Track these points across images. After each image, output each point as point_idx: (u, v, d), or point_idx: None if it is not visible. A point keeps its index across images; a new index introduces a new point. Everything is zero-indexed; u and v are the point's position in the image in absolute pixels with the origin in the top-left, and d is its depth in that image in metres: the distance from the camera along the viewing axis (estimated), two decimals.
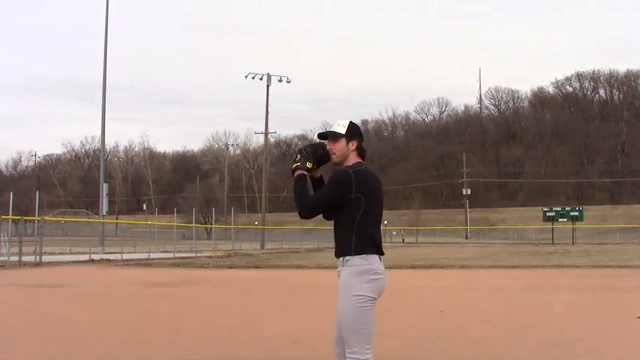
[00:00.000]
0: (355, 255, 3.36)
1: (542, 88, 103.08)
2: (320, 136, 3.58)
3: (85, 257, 23.52)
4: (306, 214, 3.43)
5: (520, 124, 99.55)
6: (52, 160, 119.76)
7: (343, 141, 3.51)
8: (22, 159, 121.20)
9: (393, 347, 6.11)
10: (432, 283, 14.22)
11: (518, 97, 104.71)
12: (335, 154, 3.51)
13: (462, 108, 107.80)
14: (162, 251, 29.38)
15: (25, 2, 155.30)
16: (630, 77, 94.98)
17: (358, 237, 3.35)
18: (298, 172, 3.46)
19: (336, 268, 3.50)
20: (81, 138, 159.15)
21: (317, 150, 3.53)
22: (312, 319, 8.33)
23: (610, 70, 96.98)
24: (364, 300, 3.30)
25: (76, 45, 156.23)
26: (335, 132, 3.49)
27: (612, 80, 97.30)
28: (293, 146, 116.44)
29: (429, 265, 20.92)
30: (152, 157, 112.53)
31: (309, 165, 3.46)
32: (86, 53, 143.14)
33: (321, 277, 16.01)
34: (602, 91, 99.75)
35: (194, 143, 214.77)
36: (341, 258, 3.41)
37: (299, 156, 3.49)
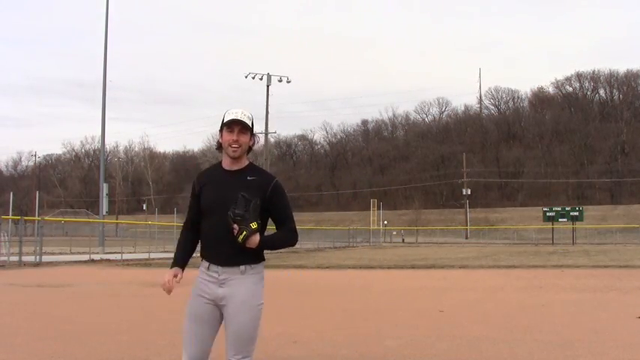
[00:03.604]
0: (260, 262, 3.21)
1: (542, 88, 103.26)
2: (234, 122, 3.12)
3: (85, 257, 23.52)
4: (297, 237, 3.27)
5: (520, 124, 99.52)
6: (52, 160, 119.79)
7: (249, 135, 3.19)
8: (22, 159, 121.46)
9: (393, 347, 6.12)
10: (432, 283, 14.21)
11: (518, 97, 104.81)
12: (240, 147, 3.13)
13: (462, 108, 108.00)
14: (162, 251, 29.36)
15: (26, 2, 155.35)
16: (630, 77, 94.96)
17: None
18: (252, 240, 3.04)
19: (221, 276, 3.13)
20: (81, 138, 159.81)
21: (245, 205, 3.03)
22: (312, 319, 8.34)
23: (610, 70, 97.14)
24: (262, 307, 3.21)
25: (76, 45, 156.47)
26: (247, 123, 3.14)
27: (612, 80, 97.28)
28: (293, 146, 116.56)
29: (429, 265, 20.92)
30: (152, 157, 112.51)
31: (254, 226, 3.03)
32: (86, 53, 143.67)
33: (321, 277, 16.02)
34: (602, 91, 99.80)
35: (194, 143, 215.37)
36: (243, 266, 3.12)
37: (236, 227, 3.01)
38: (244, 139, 3.15)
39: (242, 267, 3.12)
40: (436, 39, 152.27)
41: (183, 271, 3.26)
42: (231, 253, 3.10)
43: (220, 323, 3.19)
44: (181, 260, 3.27)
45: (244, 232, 3.00)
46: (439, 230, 70.79)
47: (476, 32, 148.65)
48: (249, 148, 3.21)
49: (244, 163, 3.22)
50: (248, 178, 3.14)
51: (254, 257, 3.16)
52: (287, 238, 3.22)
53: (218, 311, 3.15)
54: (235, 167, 3.19)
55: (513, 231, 66.45)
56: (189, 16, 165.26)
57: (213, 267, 3.14)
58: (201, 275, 3.20)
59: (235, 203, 3.02)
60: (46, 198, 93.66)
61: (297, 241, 3.27)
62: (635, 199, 79.06)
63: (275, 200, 3.17)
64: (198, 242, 3.30)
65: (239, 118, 3.12)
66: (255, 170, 3.22)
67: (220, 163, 3.26)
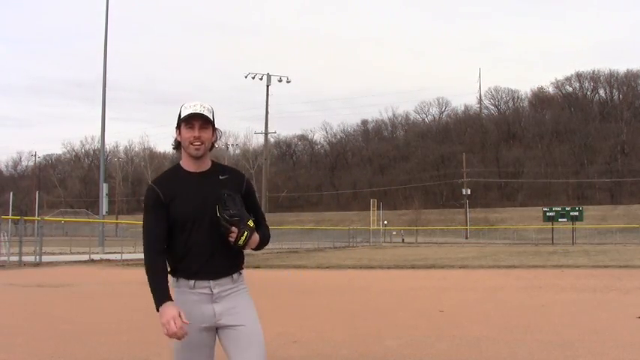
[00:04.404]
0: (243, 265, 2.93)
1: (542, 88, 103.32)
2: (196, 117, 2.75)
3: (85, 257, 23.52)
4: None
5: (520, 124, 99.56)
6: (52, 160, 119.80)
7: (211, 130, 2.80)
8: (22, 159, 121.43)
9: (393, 347, 6.11)
10: (432, 283, 14.21)
11: (518, 97, 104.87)
12: (203, 144, 2.77)
13: (462, 108, 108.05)
14: None
15: (26, 2, 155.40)
16: (630, 77, 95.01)
17: None
18: (253, 239, 2.77)
19: (215, 290, 2.79)
20: (81, 138, 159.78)
21: (235, 204, 2.75)
22: (312, 319, 8.33)
23: (610, 70, 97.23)
24: None
25: (76, 45, 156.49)
26: (208, 117, 2.77)
27: (612, 80, 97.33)
28: (293, 146, 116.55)
29: (429, 265, 20.92)
30: (152, 157, 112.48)
31: (251, 224, 2.75)
32: (86, 53, 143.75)
33: (321, 277, 16.01)
34: (602, 91, 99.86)
35: None
36: (235, 274, 2.83)
37: (235, 229, 2.70)
38: (206, 135, 2.77)
39: (234, 275, 2.83)
40: (436, 39, 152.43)
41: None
42: (222, 263, 2.79)
43: (214, 347, 2.84)
44: (169, 291, 2.74)
45: (246, 233, 2.70)
46: (439, 230, 70.78)
47: (476, 32, 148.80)
48: (212, 145, 2.84)
49: (208, 162, 2.86)
50: (220, 177, 2.82)
51: (240, 261, 2.89)
52: (267, 235, 2.93)
53: (213, 334, 2.81)
54: (201, 168, 2.82)
55: (513, 231, 66.45)
56: (190, 16, 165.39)
57: (201, 283, 2.76)
58: (182, 297, 2.77)
59: (224, 204, 2.71)
60: (46, 198, 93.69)
61: (269, 239, 2.98)
62: (635, 199, 79.08)
63: (250, 197, 2.89)
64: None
65: (198, 111, 2.75)
66: (223, 169, 2.90)
67: (178, 166, 2.87)
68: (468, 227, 73.45)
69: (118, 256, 24.69)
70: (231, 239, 2.70)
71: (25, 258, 20.07)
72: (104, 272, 17.56)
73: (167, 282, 2.76)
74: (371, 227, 64.77)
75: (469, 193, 77.30)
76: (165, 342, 6.48)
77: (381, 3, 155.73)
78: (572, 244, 49.36)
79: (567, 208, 57.09)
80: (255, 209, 2.91)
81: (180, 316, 2.60)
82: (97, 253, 26.27)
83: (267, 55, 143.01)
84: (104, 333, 7.03)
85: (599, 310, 9.11)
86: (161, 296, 2.69)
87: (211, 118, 2.78)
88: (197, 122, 2.75)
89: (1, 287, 13.05)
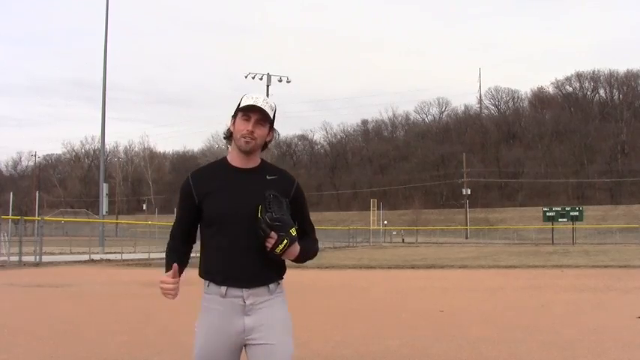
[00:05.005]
0: (284, 276, 2.64)
1: (542, 88, 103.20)
2: (250, 108, 2.51)
3: (85, 257, 23.52)
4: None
5: (520, 124, 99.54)
6: (52, 160, 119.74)
7: (267, 128, 2.57)
8: (22, 159, 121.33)
9: (393, 347, 6.12)
10: (432, 283, 14.21)
11: (518, 97, 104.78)
12: (255, 140, 2.52)
13: (462, 108, 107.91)
14: (162, 251, 29.25)
15: (26, 2, 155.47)
16: (630, 77, 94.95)
17: None
18: (292, 250, 2.46)
19: (248, 300, 2.50)
20: (81, 138, 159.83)
21: (280, 208, 2.47)
22: (312, 319, 8.33)
23: (610, 70, 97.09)
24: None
25: (76, 45, 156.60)
26: (267, 113, 2.53)
27: (612, 80, 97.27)
28: (293, 146, 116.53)
29: (429, 265, 20.93)
30: (152, 157, 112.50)
31: (294, 232, 2.45)
32: (87, 53, 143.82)
33: (321, 277, 16.01)
34: (602, 91, 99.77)
35: (194, 143, 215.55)
36: (271, 284, 2.55)
37: (274, 235, 2.40)
38: (261, 131, 2.53)
39: (271, 285, 2.54)
40: (436, 39, 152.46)
41: (183, 269, 2.63)
42: (258, 270, 2.49)
43: None
44: (178, 260, 2.60)
45: (285, 241, 2.40)
46: (439, 230, 70.74)
47: (476, 32, 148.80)
48: (265, 145, 2.60)
49: (257, 160, 2.60)
50: (267, 177, 2.56)
51: (280, 271, 2.59)
52: (314, 249, 2.66)
53: (239, 351, 2.53)
54: (248, 165, 2.57)
55: (513, 231, 66.42)
56: (190, 16, 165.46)
57: (234, 291, 2.48)
58: (211, 305, 2.52)
59: (268, 205, 2.43)
60: (46, 198, 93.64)
61: (315, 254, 2.70)
62: (635, 199, 79.06)
63: (298, 205, 2.60)
64: (189, 256, 2.70)
65: (259, 105, 2.50)
66: (272, 169, 2.63)
67: (223, 159, 2.63)
68: (468, 227, 73.45)
69: (118, 256, 24.68)
70: (268, 245, 2.42)
71: (25, 258, 20.07)
72: (104, 272, 17.56)
73: (178, 254, 2.64)
74: (371, 227, 64.76)
75: (469, 193, 77.31)
76: (165, 342, 6.49)
77: (381, 3, 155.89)
78: (572, 244, 49.35)
79: (567, 208, 57.08)
80: (303, 218, 2.64)
81: (174, 277, 2.52)
82: (97, 253, 26.25)
83: (267, 55, 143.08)
84: (104, 333, 7.03)
85: (599, 310, 9.11)
86: (167, 267, 2.60)
87: (271, 116, 2.55)
88: (254, 116, 2.51)
89: (1, 287, 13.05)
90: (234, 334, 2.48)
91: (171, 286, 2.51)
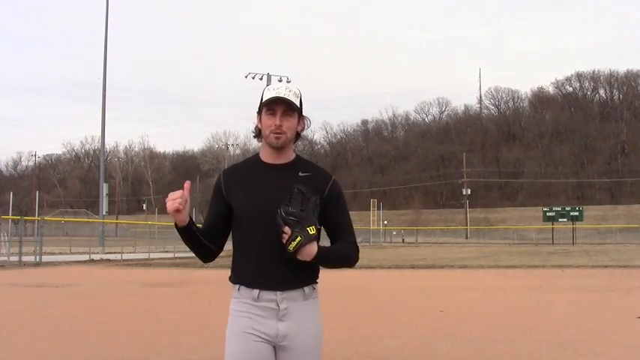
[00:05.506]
0: (317, 281, 2.46)
1: (542, 88, 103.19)
2: (274, 101, 2.36)
3: (85, 257, 23.53)
4: (358, 256, 2.51)
5: (520, 124, 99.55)
6: (52, 160, 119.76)
7: (296, 118, 2.42)
8: (22, 159, 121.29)
9: (393, 347, 6.12)
10: (432, 283, 14.22)
11: (518, 97, 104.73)
12: (285, 134, 2.37)
13: (462, 108, 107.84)
14: (162, 251, 29.36)
15: (26, 2, 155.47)
16: (630, 77, 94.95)
17: None
18: (307, 250, 2.24)
19: (282, 304, 2.34)
20: (81, 138, 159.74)
21: (302, 203, 2.29)
22: None
23: (610, 70, 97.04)
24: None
25: (76, 45, 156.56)
26: (293, 102, 2.38)
27: (612, 80, 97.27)
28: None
29: (429, 265, 20.93)
30: (152, 157, 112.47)
31: (312, 231, 2.25)
32: (87, 53, 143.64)
33: (321, 277, 15.96)
34: (602, 91, 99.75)
35: (194, 143, 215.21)
36: (306, 288, 2.39)
37: (288, 230, 2.23)
38: (290, 123, 2.38)
39: (306, 289, 2.38)
40: (436, 39, 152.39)
41: (195, 227, 2.38)
42: (290, 272, 2.32)
43: None
44: (198, 231, 2.39)
45: (298, 239, 2.21)
46: (439, 230, 70.75)
47: (476, 32, 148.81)
48: (298, 135, 2.47)
49: (291, 155, 2.46)
50: (300, 174, 2.39)
51: (314, 274, 2.42)
52: (349, 253, 2.43)
53: (273, 352, 2.35)
54: (280, 161, 2.42)
55: (513, 231, 66.42)
56: (189, 15, 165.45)
57: (267, 294, 2.32)
58: (243, 310, 2.35)
59: (289, 199, 2.27)
60: (46, 198, 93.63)
61: (357, 260, 2.48)
62: (635, 199, 79.08)
63: (333, 204, 2.40)
64: (211, 252, 2.46)
65: (283, 95, 2.35)
66: (307, 164, 2.47)
67: (256, 156, 2.49)
68: (468, 227, 73.46)
69: (118, 256, 24.69)
70: (282, 241, 2.25)
71: (25, 258, 20.08)
72: (104, 272, 17.55)
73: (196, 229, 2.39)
74: (371, 227, 64.77)
75: (469, 193, 77.33)
76: (165, 342, 6.49)
77: (381, 3, 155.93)
78: (573, 244, 49.35)
79: (567, 208, 57.09)
80: (338, 220, 2.44)
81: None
82: (97, 253, 26.27)
83: (267, 55, 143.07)
84: (104, 333, 7.03)
85: (599, 310, 9.11)
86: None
87: (297, 104, 2.40)
88: (280, 108, 2.35)
89: (1, 287, 13.05)
90: (267, 339, 2.32)
91: (177, 194, 2.25)
